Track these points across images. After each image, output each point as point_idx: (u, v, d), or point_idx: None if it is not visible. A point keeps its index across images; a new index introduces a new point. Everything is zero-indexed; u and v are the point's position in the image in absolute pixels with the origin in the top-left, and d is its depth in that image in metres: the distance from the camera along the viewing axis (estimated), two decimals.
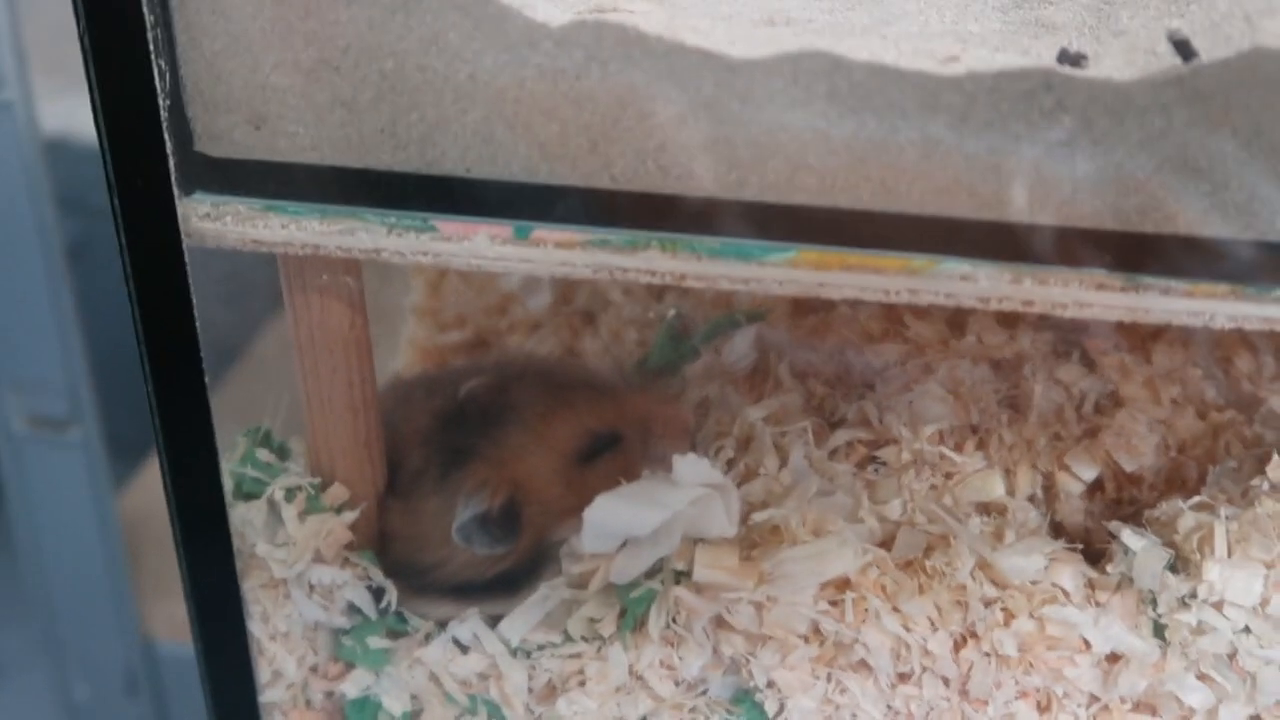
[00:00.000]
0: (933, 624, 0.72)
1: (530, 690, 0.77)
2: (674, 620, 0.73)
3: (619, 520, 0.73)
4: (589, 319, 0.94)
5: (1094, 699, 0.73)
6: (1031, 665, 0.72)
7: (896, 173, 0.62)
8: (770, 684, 0.73)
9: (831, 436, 0.79)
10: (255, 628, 0.77)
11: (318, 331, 0.73)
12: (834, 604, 0.72)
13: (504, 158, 0.64)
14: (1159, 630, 0.71)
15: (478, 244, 0.66)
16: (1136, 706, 0.73)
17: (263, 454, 0.78)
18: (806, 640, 0.73)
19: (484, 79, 0.63)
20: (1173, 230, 0.61)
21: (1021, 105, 0.60)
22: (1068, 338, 0.82)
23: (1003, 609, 0.72)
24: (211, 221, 0.67)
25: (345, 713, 0.80)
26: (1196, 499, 0.74)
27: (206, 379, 0.69)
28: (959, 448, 0.78)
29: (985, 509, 0.76)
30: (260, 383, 1.18)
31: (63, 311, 1.17)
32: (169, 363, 0.68)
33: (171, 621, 1.28)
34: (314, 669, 0.79)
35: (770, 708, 0.74)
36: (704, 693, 0.75)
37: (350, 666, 0.79)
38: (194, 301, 0.67)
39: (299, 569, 0.76)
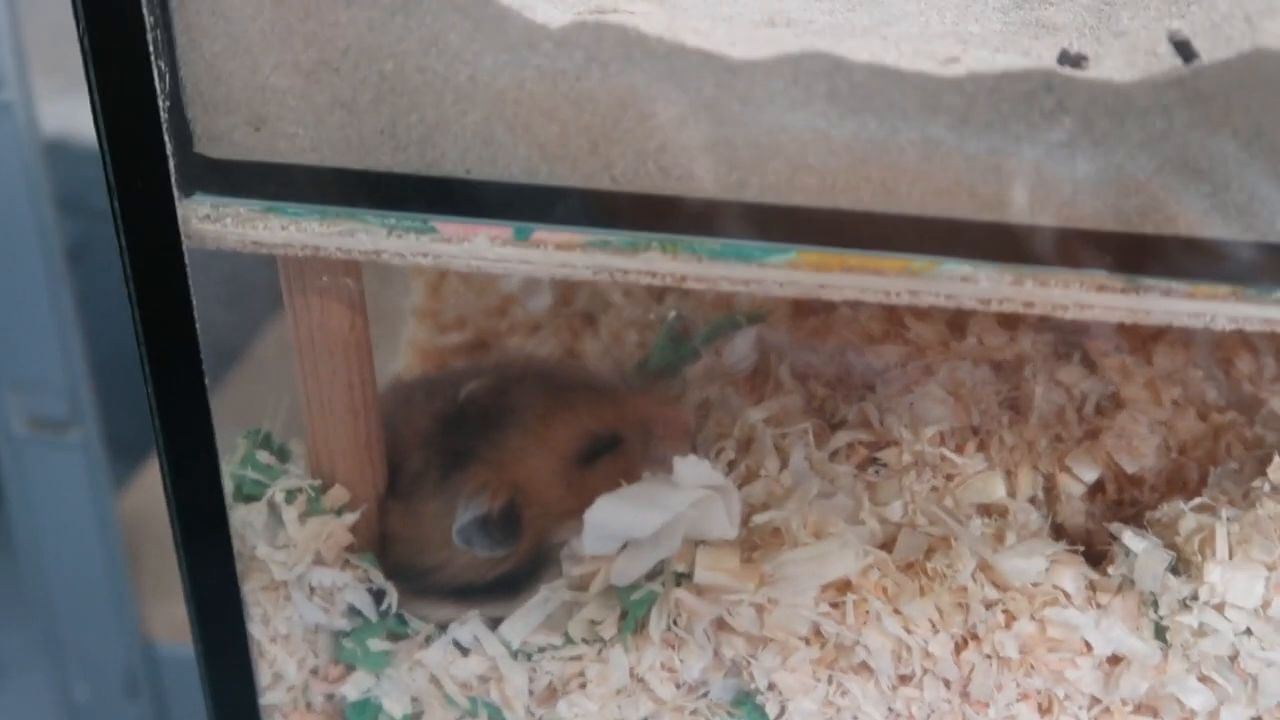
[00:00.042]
0: (934, 626, 0.72)
1: (531, 692, 0.77)
2: (675, 622, 0.73)
3: (620, 522, 0.73)
4: (589, 320, 0.94)
5: (1095, 701, 0.73)
6: (1033, 667, 0.72)
7: (897, 174, 0.62)
8: (771, 686, 0.73)
9: (832, 438, 0.79)
10: (255, 630, 0.77)
11: (318, 333, 0.72)
12: (835, 606, 0.72)
13: (504, 159, 0.64)
14: (1160, 632, 0.71)
15: (478, 245, 0.65)
16: (1138, 709, 0.72)
17: (263, 456, 0.78)
18: (807, 642, 0.73)
19: (484, 80, 0.63)
20: (1174, 231, 0.61)
21: (1022, 106, 0.60)
22: (1069, 339, 0.82)
23: (1004, 611, 0.72)
24: (211, 223, 0.67)
25: (346, 715, 0.79)
26: (1198, 500, 0.74)
27: (206, 381, 0.69)
28: (960, 449, 0.78)
29: (986, 511, 0.76)
30: (260, 384, 1.18)
31: (63, 312, 1.17)
32: (169, 364, 0.68)
33: (172, 622, 1.28)
34: (314, 671, 0.79)
35: (771, 710, 0.74)
36: (705, 695, 0.75)
37: (351, 669, 0.79)
38: (194, 303, 0.67)
39: (299, 571, 0.76)
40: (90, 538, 1.25)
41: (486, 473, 0.76)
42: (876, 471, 0.78)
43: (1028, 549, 0.73)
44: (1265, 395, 0.80)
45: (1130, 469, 0.78)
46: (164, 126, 0.64)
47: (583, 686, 0.75)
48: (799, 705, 0.73)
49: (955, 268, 0.63)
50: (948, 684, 0.73)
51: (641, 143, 0.63)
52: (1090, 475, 0.78)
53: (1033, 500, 0.78)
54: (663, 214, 0.64)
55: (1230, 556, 0.71)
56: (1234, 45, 0.58)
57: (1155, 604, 0.71)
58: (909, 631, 0.72)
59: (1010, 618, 0.72)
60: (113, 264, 0.67)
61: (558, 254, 0.65)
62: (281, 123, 0.65)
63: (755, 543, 0.74)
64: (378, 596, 0.78)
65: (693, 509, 0.73)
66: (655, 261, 0.65)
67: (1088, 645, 0.72)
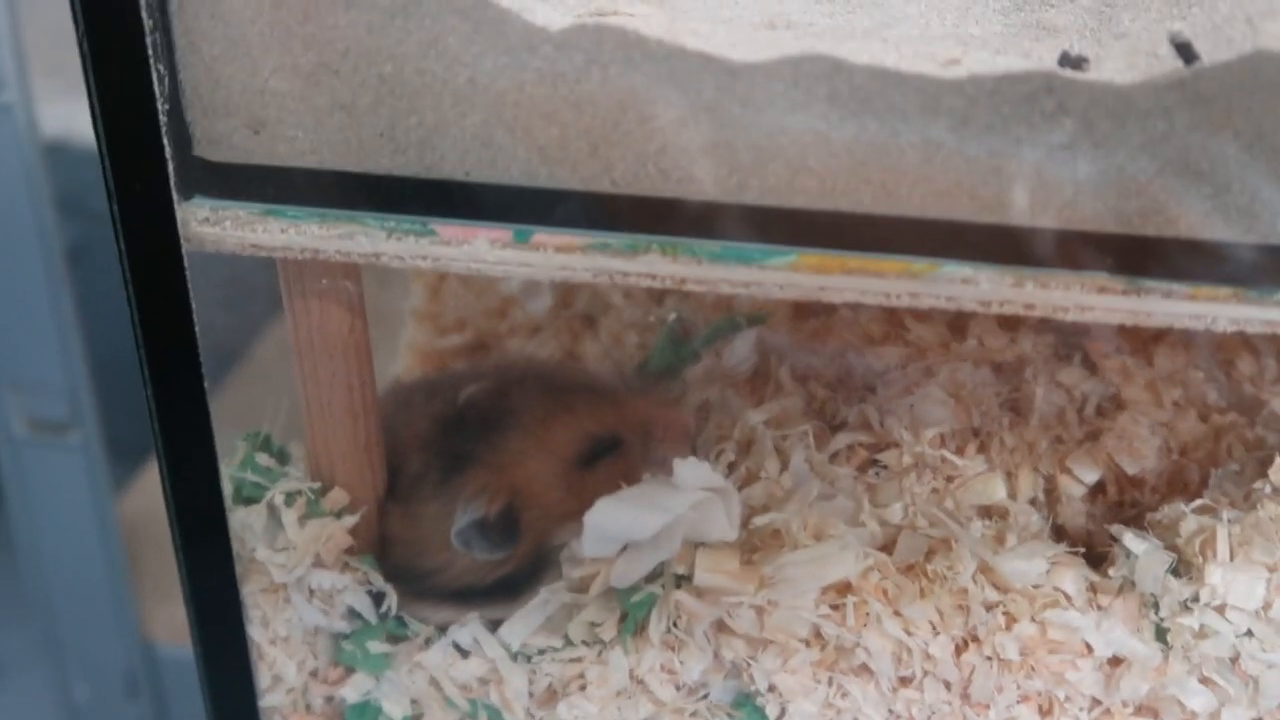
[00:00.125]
0: (934, 628, 0.72)
1: (531, 695, 0.77)
2: (675, 624, 0.73)
3: (619, 524, 0.73)
4: (589, 322, 0.94)
5: (1096, 703, 0.73)
6: (1033, 669, 0.72)
7: (897, 176, 0.62)
8: (771, 688, 0.73)
9: (832, 440, 0.79)
10: (255, 632, 0.77)
11: (317, 336, 0.72)
12: (835, 608, 0.72)
13: (503, 161, 0.64)
14: (1161, 634, 0.71)
15: (477, 248, 0.65)
16: (1138, 710, 0.72)
17: (262, 458, 0.78)
18: (808, 644, 0.73)
19: (483, 83, 0.63)
20: (1174, 233, 0.61)
21: (1023, 108, 0.60)
22: (1069, 341, 0.82)
23: (1004, 613, 0.72)
24: (211, 226, 0.67)
25: (345, 717, 0.79)
26: (1198, 502, 0.74)
27: (206, 383, 0.69)
28: (960, 451, 0.78)
29: (987, 512, 0.76)
30: (260, 387, 1.18)
31: (63, 314, 1.17)
32: (168, 367, 0.68)
33: (171, 624, 1.28)
34: (314, 674, 0.79)
35: (771, 712, 0.73)
36: (705, 697, 0.75)
37: (350, 671, 0.79)
38: (193, 306, 0.67)
39: (299, 573, 0.76)
40: (90, 539, 1.25)
41: (485, 476, 0.76)
42: (877, 473, 0.78)
43: (1028, 551, 0.73)
44: (1266, 397, 0.80)
45: (1131, 470, 0.78)
46: (163, 130, 0.64)
47: (583, 688, 0.75)
48: (799, 707, 0.73)
49: (956, 270, 0.63)
50: (948, 686, 0.73)
51: (641, 145, 0.63)
52: (1091, 477, 0.78)
53: (1033, 502, 0.78)
54: (663, 216, 0.64)
55: (1231, 558, 0.71)
56: (1235, 47, 0.58)
57: (1156, 606, 0.71)
58: (909, 633, 0.72)
59: (1011, 619, 0.72)
60: (113, 266, 0.67)
61: (557, 256, 0.65)
62: (281, 126, 0.65)
63: (755, 545, 0.74)
64: (377, 599, 0.78)
65: (693, 511, 0.73)
66: (655, 264, 0.64)
67: (1088, 647, 0.72)
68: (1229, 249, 0.61)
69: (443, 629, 0.78)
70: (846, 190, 0.62)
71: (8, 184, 1.13)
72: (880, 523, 0.74)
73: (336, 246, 0.67)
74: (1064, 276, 0.62)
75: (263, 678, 0.78)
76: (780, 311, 0.85)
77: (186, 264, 0.66)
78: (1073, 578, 0.72)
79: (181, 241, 0.66)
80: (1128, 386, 0.80)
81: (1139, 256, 0.62)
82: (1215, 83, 0.58)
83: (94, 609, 1.28)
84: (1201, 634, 0.70)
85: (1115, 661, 0.72)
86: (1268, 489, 0.73)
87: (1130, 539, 0.73)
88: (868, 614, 0.72)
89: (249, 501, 0.76)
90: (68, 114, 1.23)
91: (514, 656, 0.77)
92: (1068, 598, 0.72)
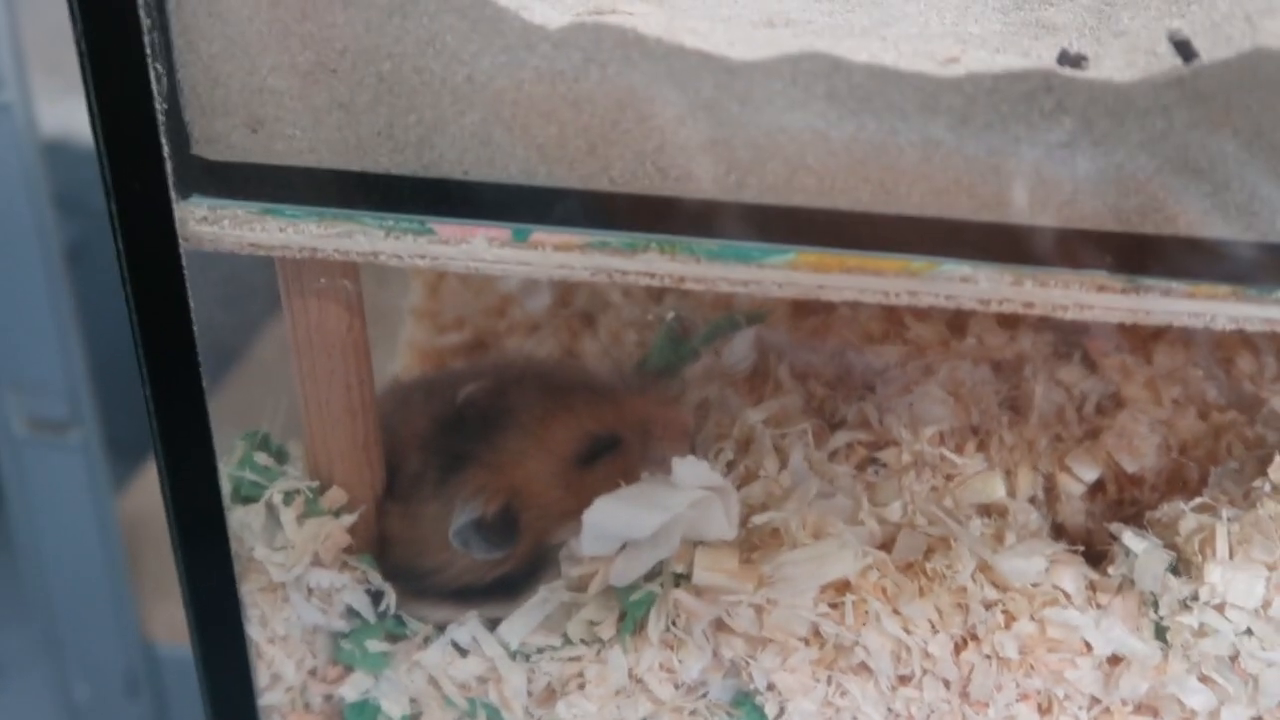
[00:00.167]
0: (933, 626, 0.72)
1: (529, 693, 0.77)
2: (674, 623, 0.73)
3: (618, 523, 0.73)
4: (588, 321, 0.94)
5: (1095, 701, 0.72)
6: (1032, 668, 0.72)
7: (896, 174, 0.62)
8: (770, 687, 0.73)
9: (831, 438, 0.79)
10: (254, 631, 0.77)
11: (316, 334, 0.72)
12: (834, 606, 0.72)
13: (502, 160, 0.64)
14: (1160, 632, 0.71)
15: (476, 247, 0.65)
16: (1138, 709, 0.72)
17: (261, 457, 0.77)
18: (807, 643, 0.73)
19: (482, 81, 0.63)
20: (1174, 231, 0.61)
21: (1022, 107, 0.60)
22: (1069, 339, 0.82)
23: (1003, 611, 0.72)
24: (209, 225, 0.67)
25: (344, 716, 0.79)
26: (1198, 500, 0.74)
27: (204, 383, 0.69)
28: (959, 449, 0.78)
29: (986, 511, 0.76)
30: (258, 386, 1.18)
31: (62, 313, 1.17)
32: (167, 366, 0.68)
33: (171, 623, 1.28)
34: (313, 672, 0.79)
35: (770, 710, 0.73)
36: (704, 695, 0.75)
37: (349, 670, 0.79)
38: (192, 305, 0.67)
39: (297, 572, 0.76)
40: (90, 538, 1.25)
41: (484, 475, 0.76)
42: (876, 472, 0.77)
43: (1027, 549, 0.73)
44: (1266, 394, 0.80)
45: (1130, 469, 0.78)
46: (161, 128, 0.64)
47: (581, 687, 0.75)
48: (798, 706, 0.73)
49: (955, 268, 0.63)
50: (947, 684, 0.73)
51: (640, 144, 0.63)
52: (1090, 475, 0.78)
53: (1032, 500, 0.78)
54: (661, 215, 0.64)
55: (1231, 556, 0.71)
56: (1234, 45, 0.58)
57: (1155, 604, 0.71)
58: (908, 632, 0.72)
59: (1010, 618, 0.72)
60: (112, 265, 0.67)
61: (556, 255, 0.65)
62: (279, 124, 0.65)
63: (754, 543, 0.74)
64: (376, 598, 0.78)
65: (691, 509, 0.73)
66: (654, 262, 0.64)
67: (1088, 645, 0.72)
68: (1228, 247, 0.61)
69: (441, 628, 0.78)
70: (845, 188, 0.62)
71: (7, 183, 1.13)
72: (879, 521, 0.74)
73: (335, 245, 0.67)
74: (1063, 275, 0.62)
75: (261, 676, 0.78)
76: (779, 310, 0.85)
77: (185, 263, 0.66)
78: (1072, 576, 0.72)
79: (180, 240, 0.66)
80: (1127, 384, 0.80)
81: (1138, 254, 0.62)
82: (1214, 80, 0.58)
83: (94, 609, 1.28)
84: (1201, 632, 0.70)
85: (1114, 660, 0.72)
86: (1267, 487, 0.73)
87: (1129, 537, 0.73)
88: (867, 612, 0.72)
89: (248, 500, 0.76)
90: (66, 113, 1.23)
91: (513, 655, 0.77)
92: (1067, 596, 0.72)
